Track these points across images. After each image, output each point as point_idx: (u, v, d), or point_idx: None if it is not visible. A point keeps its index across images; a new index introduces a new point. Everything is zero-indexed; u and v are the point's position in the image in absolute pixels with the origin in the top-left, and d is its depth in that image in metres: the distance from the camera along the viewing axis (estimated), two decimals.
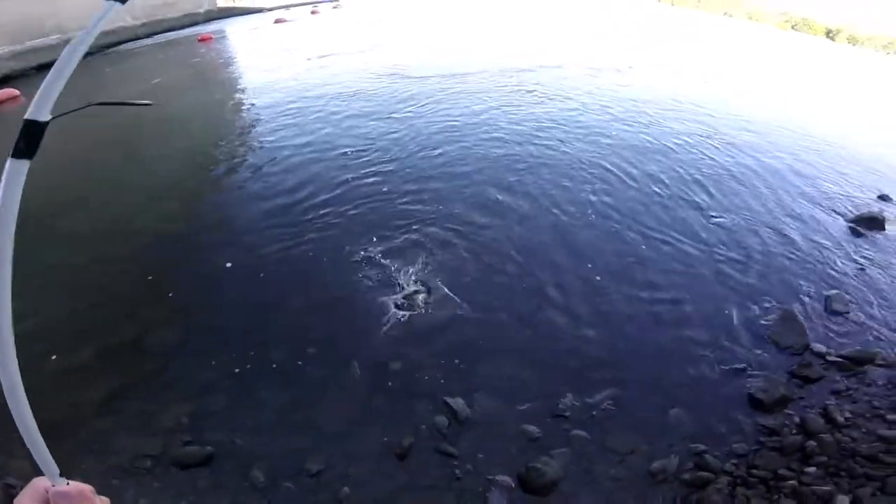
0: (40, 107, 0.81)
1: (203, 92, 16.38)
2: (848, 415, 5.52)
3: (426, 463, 4.93)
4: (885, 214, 9.81)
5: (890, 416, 5.52)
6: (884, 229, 9.36)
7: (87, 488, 0.94)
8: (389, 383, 5.74)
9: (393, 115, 13.43)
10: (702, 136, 13.28)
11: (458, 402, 5.45)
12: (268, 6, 41.05)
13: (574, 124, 13.34)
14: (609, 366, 6.18)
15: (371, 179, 9.90)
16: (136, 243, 7.97)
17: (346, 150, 11.18)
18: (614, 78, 18.65)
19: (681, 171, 11.03)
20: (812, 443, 5.07)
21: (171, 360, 5.94)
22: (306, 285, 7.19)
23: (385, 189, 9.59)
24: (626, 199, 9.69)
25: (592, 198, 9.69)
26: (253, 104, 14.70)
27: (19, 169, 0.80)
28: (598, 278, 7.51)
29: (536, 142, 11.92)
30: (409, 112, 13.67)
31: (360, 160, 10.70)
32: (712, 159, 11.96)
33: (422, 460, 4.95)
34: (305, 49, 22.11)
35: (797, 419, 5.50)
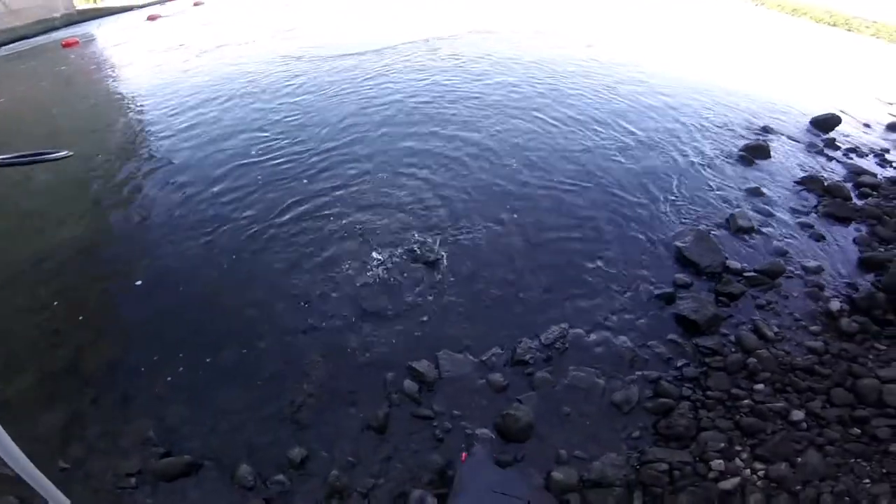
0: None
1: (79, 101, 13.87)
2: (776, 329, 5.90)
3: (406, 430, 4.82)
4: (769, 142, 10.49)
5: (812, 327, 5.99)
6: (769, 156, 10.00)
7: None
8: (351, 361, 5.49)
9: (297, 101, 12.25)
10: (615, 90, 13.45)
11: (423, 365, 5.32)
12: (139, 3, 34.49)
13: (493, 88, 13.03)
14: (553, 306, 6.22)
15: (284, 167, 9.15)
16: (42, 269, 7.07)
17: (252, 141, 10.15)
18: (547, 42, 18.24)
19: (592, 121, 11.13)
20: (752, 360, 5.38)
21: (114, 379, 5.42)
22: (240, 281, 6.66)
23: (301, 172, 8.92)
24: (548, 153, 9.62)
25: (515, 150, 9.59)
26: (137, 107, 12.78)
27: None
28: (529, 228, 7.50)
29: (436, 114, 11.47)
30: (315, 95, 12.51)
31: (269, 149, 9.80)
32: (621, 109, 12.16)
33: (401, 428, 4.83)
34: (191, 43, 19.29)
35: (732, 337, 5.80)
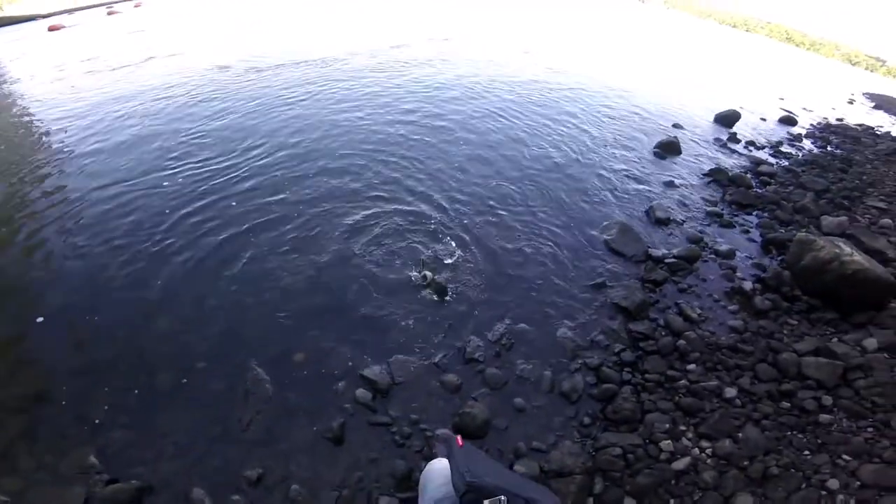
0: None
1: None
2: (699, 311, 6.25)
3: (364, 438, 4.66)
4: (679, 138, 11.05)
5: (730, 307, 6.38)
6: (680, 152, 10.56)
7: None
8: (297, 374, 5.24)
9: (209, 113, 11.49)
10: (531, 97, 13.61)
11: (374, 372, 5.16)
12: (43, 12, 30.78)
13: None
14: (495, 305, 6.26)
15: (199, 184, 8.48)
16: None
17: (161, 159, 9.27)
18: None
19: (513, 129, 11.23)
20: (682, 342, 5.66)
21: (42, 411, 4.89)
22: (166, 302, 6.12)
23: (219, 189, 8.32)
24: (475, 161, 9.67)
25: (443, 158, 9.59)
26: (23, 129, 11.26)
27: None
28: (465, 232, 7.48)
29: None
30: (229, 108, 11.73)
31: (181, 167, 8.99)
32: (537, 116, 12.32)
33: (359, 437, 4.66)
34: (97, 57, 17.23)
35: (661, 321, 6.08)
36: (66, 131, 10.50)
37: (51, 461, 4.38)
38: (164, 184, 8.35)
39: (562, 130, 11.27)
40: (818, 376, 4.95)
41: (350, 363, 5.35)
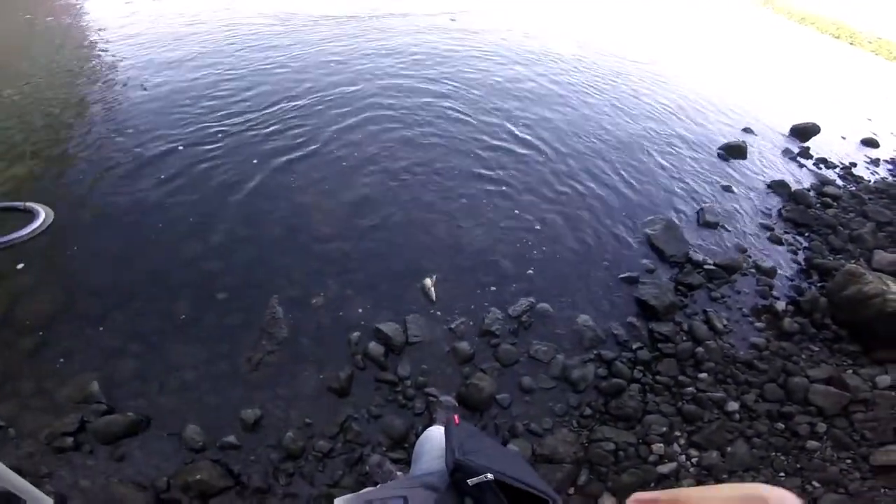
0: None
1: (48, 43, 12.39)
2: (725, 322, 6.23)
3: (368, 394, 4.88)
4: (748, 143, 10.69)
5: (757, 323, 6.33)
6: (746, 157, 10.24)
7: None
8: (315, 319, 5.44)
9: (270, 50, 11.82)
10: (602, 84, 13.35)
11: (391, 328, 5.35)
12: None
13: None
14: (524, 280, 6.38)
15: (258, 123, 8.70)
16: None
17: (225, 98, 9.46)
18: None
19: (567, 113, 10.97)
20: (700, 349, 5.69)
21: (54, 331, 5.03)
22: (201, 229, 6.36)
23: (275, 129, 8.57)
24: (536, 138, 9.64)
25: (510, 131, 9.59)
26: (105, 50, 11.81)
27: None
28: (507, 204, 7.56)
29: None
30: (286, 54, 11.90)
31: (244, 107, 9.22)
32: (612, 101, 12.18)
33: (363, 392, 4.88)
34: None
35: (686, 326, 6.10)
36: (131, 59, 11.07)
37: (51, 386, 4.58)
38: (219, 113, 8.81)
39: (628, 118, 11.06)
40: (822, 404, 4.93)
41: (368, 315, 5.56)
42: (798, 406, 4.99)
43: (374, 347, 5.20)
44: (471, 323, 5.73)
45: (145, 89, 9.63)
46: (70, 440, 4.19)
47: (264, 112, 8.98)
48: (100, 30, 13.49)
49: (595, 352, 5.66)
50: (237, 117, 8.77)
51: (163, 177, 7.17)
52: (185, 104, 9.07)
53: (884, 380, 5.18)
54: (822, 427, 4.73)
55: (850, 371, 5.40)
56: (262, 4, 15.47)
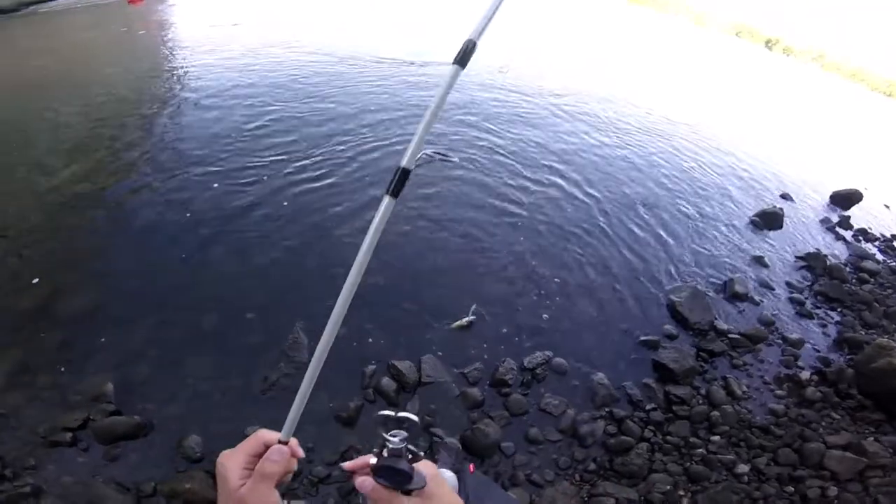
0: (410, 159, 0.99)
1: (127, 59, 13.79)
2: (745, 388, 6.06)
3: (374, 427, 4.88)
4: (785, 211, 10.57)
5: (778, 391, 6.12)
6: (781, 226, 10.12)
7: (297, 457, 1.06)
8: (335, 348, 5.53)
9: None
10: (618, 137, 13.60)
11: (405, 365, 5.39)
12: None
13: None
14: (542, 334, 6.38)
15: (303, 153, 9.24)
16: (50, 205, 7.11)
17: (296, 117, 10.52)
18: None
19: (597, 166, 11.24)
20: (716, 413, 5.53)
21: (84, 328, 5.30)
22: (244, 249, 6.71)
23: (345, 153, 9.21)
24: (556, 204, 9.66)
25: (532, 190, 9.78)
26: (177, 73, 12.84)
27: (390, 205, 1.01)
28: (534, 260, 7.62)
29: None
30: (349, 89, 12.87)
31: (307, 126, 10.13)
32: (646, 158, 12.36)
33: (370, 424, 4.87)
34: (231, 18, 18.74)
35: (703, 390, 5.95)
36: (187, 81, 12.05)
37: (66, 381, 4.75)
38: (275, 141, 9.32)
39: (660, 176, 11.15)
40: (836, 469, 4.69)
41: (385, 350, 5.64)
42: (811, 470, 4.74)
43: (387, 383, 5.26)
44: (485, 370, 5.73)
45: (201, 102, 10.59)
46: (69, 436, 4.27)
47: (315, 148, 9.40)
48: (182, 47, 14.86)
49: (607, 409, 5.56)
50: (294, 146, 9.30)
51: (208, 198, 7.58)
52: (243, 128, 9.69)
53: None
54: (833, 491, 4.48)
55: (872, 438, 5.14)
56: (327, 43, 16.47)
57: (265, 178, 8.15)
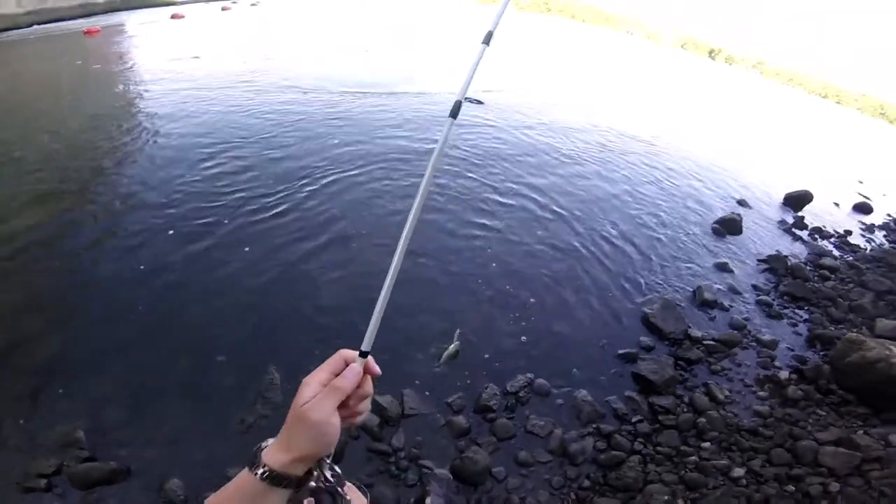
0: (463, 91, 1.15)
1: (81, 89, 13.87)
2: (727, 392, 6.02)
3: (360, 463, 4.69)
4: (743, 216, 10.82)
5: (760, 393, 6.11)
6: (741, 231, 10.34)
7: (370, 374, 1.04)
8: None
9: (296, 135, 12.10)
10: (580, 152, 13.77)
11: (387, 400, 5.22)
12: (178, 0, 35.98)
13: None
14: (522, 357, 6.27)
15: (268, 188, 9.08)
16: (3, 254, 6.83)
17: (247, 157, 10.19)
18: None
19: (563, 187, 11.32)
20: (702, 420, 5.46)
21: (48, 377, 5.08)
22: (208, 293, 6.51)
23: (303, 195, 8.96)
24: (524, 219, 9.72)
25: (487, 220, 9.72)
26: (128, 104, 12.87)
27: (450, 126, 1.13)
28: (507, 281, 7.55)
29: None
30: (291, 130, 12.26)
31: (260, 170, 9.78)
32: (602, 174, 12.54)
33: (356, 461, 4.68)
34: (206, 49, 19.09)
35: (686, 398, 5.88)
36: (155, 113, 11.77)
37: (35, 429, 4.53)
38: (235, 177, 9.12)
39: (623, 192, 11.29)
40: (832, 464, 4.63)
41: None
42: (808, 468, 4.68)
43: (370, 418, 5.00)
44: (468, 397, 5.55)
45: (157, 141, 10.29)
46: (43, 482, 4.07)
47: (276, 184, 9.19)
48: (139, 81, 14.52)
49: (594, 425, 5.44)
50: (254, 182, 9.08)
51: (169, 242, 7.32)
52: (202, 167, 9.42)
53: None
54: (834, 486, 4.41)
55: (861, 432, 5.12)
56: (290, 75, 16.36)
57: (225, 220, 7.90)
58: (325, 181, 9.37)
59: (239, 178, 9.06)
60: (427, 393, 5.52)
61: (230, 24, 27.40)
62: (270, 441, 0.98)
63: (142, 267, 6.74)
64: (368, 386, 1.03)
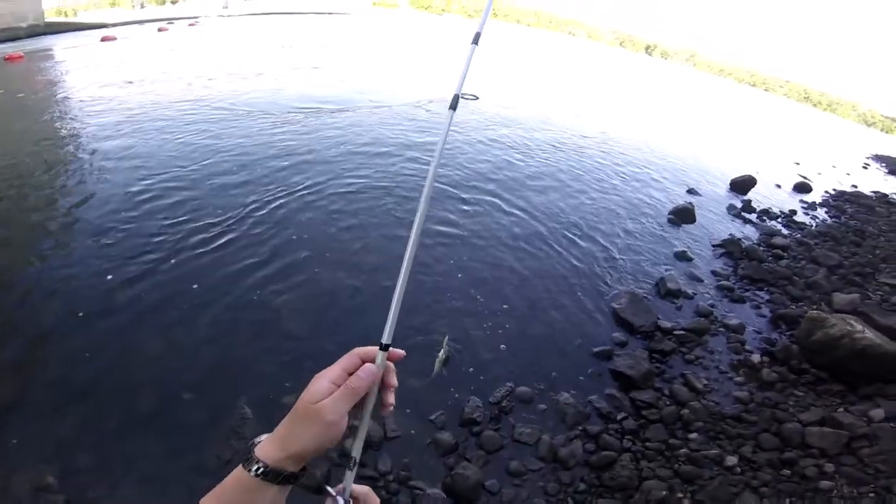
0: (460, 86, 1.30)
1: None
2: (705, 381, 6.05)
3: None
4: (695, 204, 11.06)
5: (737, 378, 6.17)
6: (695, 220, 10.56)
7: (397, 359, 1.05)
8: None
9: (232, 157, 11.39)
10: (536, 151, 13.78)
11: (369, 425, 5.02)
12: (110, 21, 33.92)
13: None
14: (500, 365, 6.13)
15: (210, 213, 8.56)
16: None
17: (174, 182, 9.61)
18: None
19: (521, 189, 11.26)
20: (686, 411, 5.45)
21: (9, 420, 4.73)
22: (165, 329, 6.07)
23: (256, 218, 8.53)
24: (488, 221, 9.61)
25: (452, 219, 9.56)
26: (55, 134, 12.01)
27: (451, 117, 1.27)
28: (474, 293, 7.37)
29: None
30: (231, 150, 11.57)
31: (205, 188, 9.35)
32: (559, 173, 12.56)
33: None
34: (138, 73, 17.99)
35: (666, 391, 5.88)
36: (89, 142, 11.09)
37: (4, 475, 4.22)
38: (176, 209, 8.52)
39: (580, 189, 11.37)
40: (821, 445, 4.69)
41: None
42: (798, 451, 4.72)
43: (351, 444, 4.77)
44: (451, 413, 5.36)
45: (89, 176, 9.48)
46: None
47: (222, 211, 8.68)
48: (67, 109, 13.52)
49: (580, 427, 5.35)
50: (199, 212, 8.52)
51: (120, 275, 6.81)
52: (142, 199, 8.78)
53: (878, 413, 4.99)
54: (829, 467, 4.45)
55: (842, 410, 5.21)
56: (226, 96, 15.61)
57: (170, 257, 7.30)
58: (274, 205, 8.94)
59: (181, 210, 8.45)
60: (408, 411, 5.29)
61: (167, 46, 25.91)
62: (264, 437, 0.95)
63: (80, 314, 6.17)
64: (394, 377, 1.04)
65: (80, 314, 6.15)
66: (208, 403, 5.13)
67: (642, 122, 18.09)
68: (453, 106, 1.28)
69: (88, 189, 9.08)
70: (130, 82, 16.33)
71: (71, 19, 33.91)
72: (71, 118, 12.96)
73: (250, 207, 8.75)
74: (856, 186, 17.39)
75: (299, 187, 9.71)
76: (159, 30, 33.95)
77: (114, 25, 33.55)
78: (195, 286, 6.81)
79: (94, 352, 5.63)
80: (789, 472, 4.52)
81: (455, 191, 10.52)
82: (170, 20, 39.54)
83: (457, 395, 5.62)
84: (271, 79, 18.94)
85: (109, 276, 6.80)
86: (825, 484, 4.32)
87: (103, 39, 27.73)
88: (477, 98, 1.40)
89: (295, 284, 7.01)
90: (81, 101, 14.37)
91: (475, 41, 1.35)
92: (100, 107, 13.72)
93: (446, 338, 5.72)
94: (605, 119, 17.53)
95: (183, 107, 14.15)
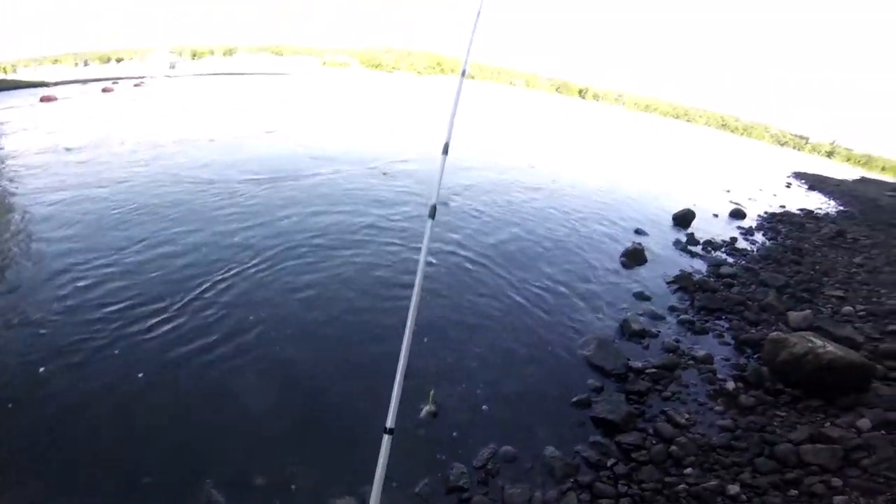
0: (436, 197, 1.24)
1: None
2: (686, 415, 5.94)
3: None
4: (644, 244, 11.31)
5: (717, 408, 6.11)
6: (646, 260, 10.77)
7: None
8: (258, 500, 4.62)
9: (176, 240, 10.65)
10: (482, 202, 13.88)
11: (346, 502, 4.60)
12: (51, 80, 32.11)
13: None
14: (479, 427, 5.84)
15: (175, 279, 8.26)
16: None
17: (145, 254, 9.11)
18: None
19: (478, 241, 11.20)
20: (674, 447, 5.31)
21: None
22: (117, 412, 5.54)
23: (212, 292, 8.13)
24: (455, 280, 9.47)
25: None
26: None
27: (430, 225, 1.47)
28: (444, 357, 7.09)
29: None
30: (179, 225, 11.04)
31: (154, 261, 8.84)
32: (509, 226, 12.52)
33: None
34: (76, 139, 16.86)
35: (651, 430, 5.74)
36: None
37: None
38: (118, 293, 7.88)
39: (535, 240, 11.44)
40: (819, 461, 4.62)
41: (320, 489, 4.75)
42: (799, 470, 4.63)
43: None
44: (435, 482, 5.00)
45: (19, 259, 8.42)
46: None
47: (168, 294, 7.99)
48: None
49: (571, 479, 5.09)
50: (144, 295, 7.81)
51: (56, 365, 6.17)
52: (74, 284, 8.02)
53: (864, 423, 5.00)
54: (837, 481, 4.38)
55: (828, 424, 5.20)
56: (170, 164, 14.83)
57: (113, 348, 6.69)
58: (225, 284, 8.47)
59: (123, 295, 7.82)
60: (394, 485, 4.92)
61: (111, 108, 24.53)
62: None
63: (10, 405, 5.48)
64: None
65: (8, 407, 5.46)
66: (171, 489, 4.62)
67: (586, 166, 18.80)
68: (432, 215, 1.31)
69: (18, 273, 8.39)
70: (69, 149, 15.32)
71: (9, 76, 32.02)
72: (0, 193, 12.09)
73: (200, 289, 8.23)
74: (783, 206, 18.47)
75: (251, 263, 9.30)
76: (104, 90, 31.95)
77: (55, 84, 31.78)
78: (140, 374, 6.25)
79: (35, 436, 5.06)
80: (796, 491, 4.40)
81: (409, 243, 10.37)
82: (114, 80, 37.84)
83: (439, 461, 5.27)
84: (222, 145, 18.18)
85: (42, 369, 6.17)
86: (839, 499, 4.21)
87: (43, 100, 26.13)
88: (446, 205, 1.33)
89: (252, 362, 6.55)
90: (14, 170, 13.27)
91: (445, 151, 1.36)
92: (34, 178, 12.71)
93: (432, 391, 5.48)
94: (555, 167, 18.09)
95: (126, 176, 13.34)
